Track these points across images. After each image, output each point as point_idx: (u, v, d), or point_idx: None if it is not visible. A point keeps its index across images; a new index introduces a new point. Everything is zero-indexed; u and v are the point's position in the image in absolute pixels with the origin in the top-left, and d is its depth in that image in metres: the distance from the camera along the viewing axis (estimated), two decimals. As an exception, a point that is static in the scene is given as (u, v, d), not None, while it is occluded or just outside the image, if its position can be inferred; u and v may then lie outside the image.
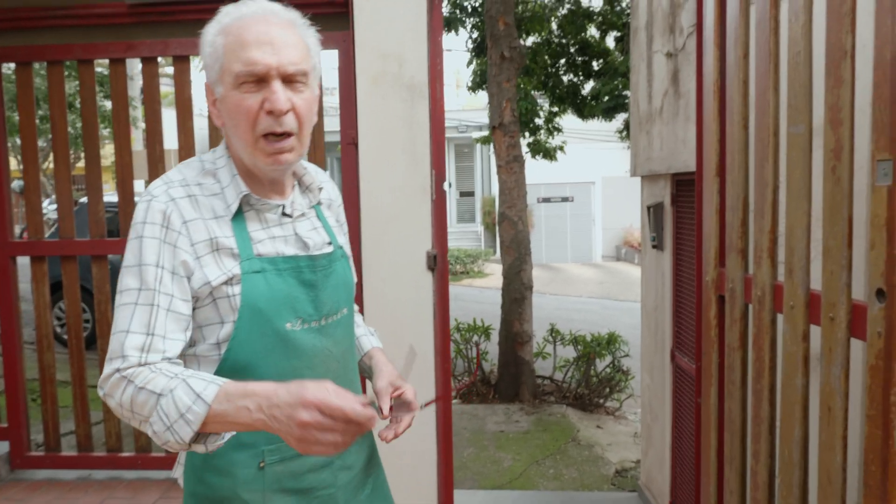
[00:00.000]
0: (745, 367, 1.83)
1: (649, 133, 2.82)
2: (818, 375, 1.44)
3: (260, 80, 1.02)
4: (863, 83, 1.36)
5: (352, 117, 2.23)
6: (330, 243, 1.19)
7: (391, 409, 1.22)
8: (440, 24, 2.09)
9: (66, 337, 3.16)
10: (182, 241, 1.02)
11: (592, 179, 19.95)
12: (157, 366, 0.97)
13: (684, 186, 2.51)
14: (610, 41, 8.09)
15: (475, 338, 5.79)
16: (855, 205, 1.38)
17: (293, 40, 1.05)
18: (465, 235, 20.64)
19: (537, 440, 4.49)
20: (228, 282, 1.04)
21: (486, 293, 12.74)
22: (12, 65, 2.94)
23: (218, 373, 1.04)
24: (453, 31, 7.88)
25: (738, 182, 1.81)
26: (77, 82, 3.19)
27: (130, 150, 3.00)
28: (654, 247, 2.87)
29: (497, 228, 6.15)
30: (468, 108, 20.71)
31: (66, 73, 3.06)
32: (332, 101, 2.78)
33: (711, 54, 1.91)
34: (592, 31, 8.02)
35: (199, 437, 0.94)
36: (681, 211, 2.60)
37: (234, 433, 1.08)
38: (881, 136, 1.23)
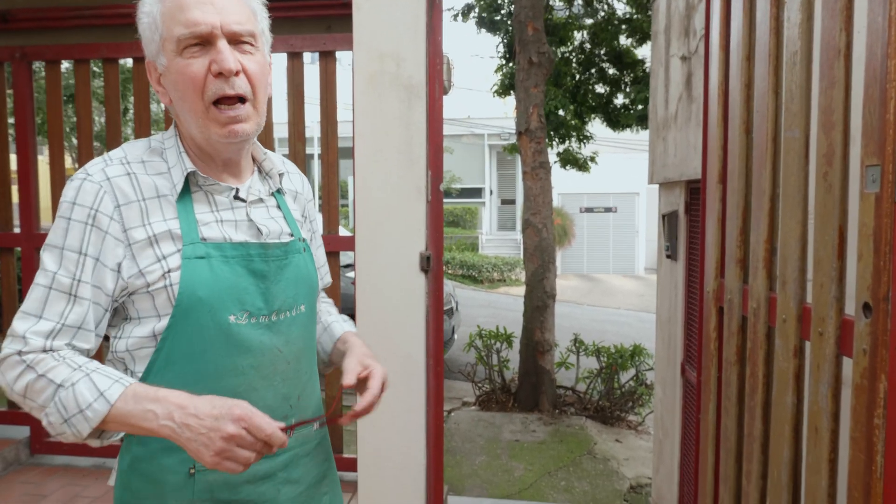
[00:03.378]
0: (741, 383, 1.75)
1: (665, 139, 2.74)
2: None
3: (205, 41, 0.96)
4: (860, 86, 1.29)
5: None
6: (290, 234, 1.10)
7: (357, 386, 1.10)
8: (440, 24, 2.07)
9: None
10: (113, 227, 0.96)
11: (636, 190, 19.63)
12: (60, 353, 0.93)
13: (697, 194, 2.42)
14: (644, 50, 7.96)
15: (497, 345, 5.73)
16: (851, 213, 1.31)
17: (235, 2, 0.99)
18: (504, 243, 20.53)
19: (552, 451, 4.40)
20: (166, 272, 0.96)
21: (520, 301, 12.56)
22: (41, 63, 3.06)
23: (150, 367, 0.98)
24: (492, 33, 7.84)
25: (739, 189, 1.74)
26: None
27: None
28: (668, 256, 2.79)
29: (521, 235, 6.09)
30: (512, 115, 20.69)
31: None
32: (346, 102, 2.79)
33: (717, 57, 1.84)
34: (625, 41, 7.88)
35: (95, 430, 0.90)
36: (694, 220, 2.52)
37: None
38: (870, 141, 1.16)
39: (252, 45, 1.01)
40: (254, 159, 1.14)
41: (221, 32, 0.96)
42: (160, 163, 1.02)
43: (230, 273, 0.99)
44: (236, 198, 1.06)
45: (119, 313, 1.02)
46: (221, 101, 0.98)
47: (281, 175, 1.15)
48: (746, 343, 1.70)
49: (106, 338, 1.04)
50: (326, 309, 1.34)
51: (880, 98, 1.13)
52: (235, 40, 0.98)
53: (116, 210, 0.96)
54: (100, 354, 2.95)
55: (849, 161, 1.26)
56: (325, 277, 1.31)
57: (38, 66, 3.16)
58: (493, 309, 11.83)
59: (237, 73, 0.97)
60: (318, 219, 1.34)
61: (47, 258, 0.95)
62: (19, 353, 0.92)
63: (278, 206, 1.13)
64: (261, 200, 1.10)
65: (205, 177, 1.03)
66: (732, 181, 1.77)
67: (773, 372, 1.57)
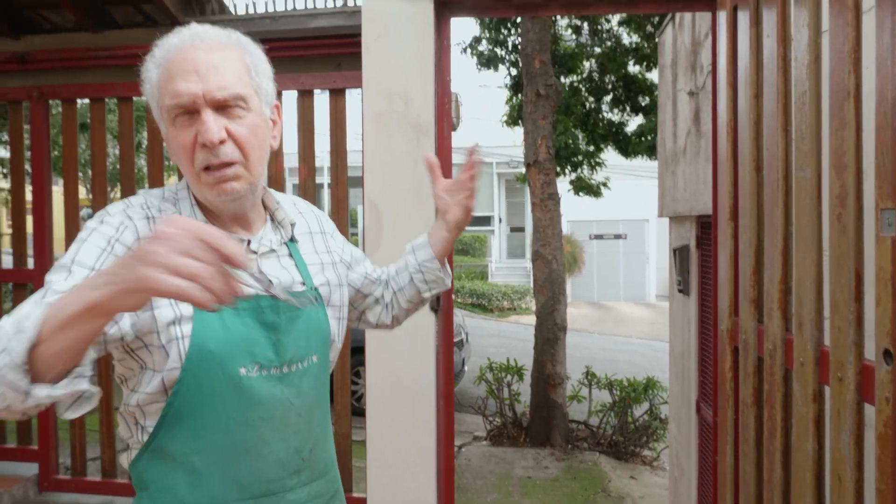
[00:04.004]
0: (759, 426, 1.71)
1: (674, 173, 2.74)
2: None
3: (191, 111, 0.95)
4: (871, 127, 1.28)
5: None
6: (302, 283, 1.10)
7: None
8: (448, 64, 2.09)
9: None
10: None
11: (646, 217, 19.58)
12: None
13: (708, 229, 2.40)
14: (654, 76, 8.01)
15: (507, 378, 5.66)
16: (867, 255, 1.28)
17: (224, 63, 0.97)
18: (513, 271, 20.46)
19: (565, 489, 4.31)
20: (177, 321, 0.95)
21: (531, 330, 12.37)
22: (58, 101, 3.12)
23: (161, 420, 0.97)
24: (493, 69, 7.97)
25: (751, 227, 1.72)
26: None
27: (164, 183, 3.11)
28: (680, 291, 2.75)
29: (531, 266, 6.08)
30: (520, 143, 20.75)
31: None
32: (355, 132, 2.83)
33: (725, 94, 1.84)
34: (633, 68, 7.94)
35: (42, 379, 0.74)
36: (706, 255, 2.49)
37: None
38: (884, 183, 1.14)
39: (242, 107, 0.98)
40: (266, 207, 1.13)
41: (205, 101, 0.95)
42: (174, 212, 1.03)
43: (241, 325, 0.99)
44: (249, 250, 1.05)
45: (133, 360, 0.99)
46: (209, 166, 0.98)
47: (293, 224, 1.14)
48: (763, 385, 1.67)
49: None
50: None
51: (892, 141, 1.12)
52: (222, 106, 0.96)
53: (136, 243, 0.96)
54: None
55: (863, 203, 1.24)
56: (371, 268, 1.35)
57: (53, 102, 3.22)
58: (504, 339, 11.74)
59: (222, 142, 0.96)
60: (342, 239, 1.33)
61: (53, 274, 0.90)
62: None
63: (290, 255, 1.12)
64: (272, 251, 1.09)
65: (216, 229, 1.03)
66: (744, 219, 1.75)
67: (791, 416, 1.53)
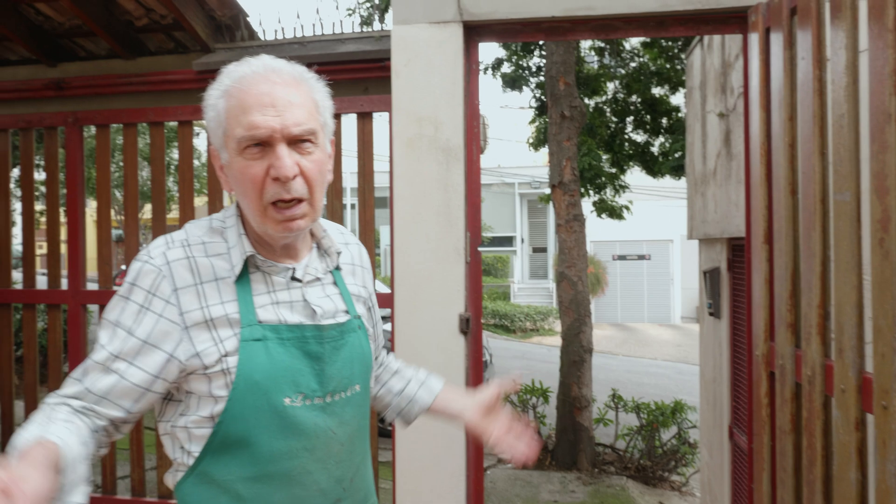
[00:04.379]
0: (798, 453, 1.66)
1: (704, 195, 2.71)
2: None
3: (264, 144, 0.96)
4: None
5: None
6: (346, 312, 1.10)
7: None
8: (476, 88, 2.11)
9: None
10: (169, 311, 0.98)
11: (670, 237, 19.39)
12: (72, 406, 0.97)
13: (740, 252, 2.37)
14: (677, 98, 7.97)
15: (533, 400, 5.60)
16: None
17: (298, 99, 0.98)
18: (536, 292, 20.35)
19: (592, 514, 4.22)
20: (223, 355, 0.97)
21: (554, 352, 12.28)
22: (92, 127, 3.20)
23: (207, 448, 0.99)
24: (517, 91, 8.01)
25: (787, 251, 1.69)
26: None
27: (193, 204, 3.16)
28: (710, 314, 2.71)
29: (556, 288, 6.04)
30: (542, 164, 20.78)
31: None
32: (378, 154, 2.85)
33: (757, 116, 1.83)
34: (658, 90, 7.92)
35: None
36: (737, 277, 2.45)
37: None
38: (929, 208, 1.12)
39: (312, 142, 1.00)
40: (312, 235, 1.14)
41: (281, 136, 0.96)
42: (220, 243, 1.04)
43: (286, 355, 1.00)
44: (293, 278, 1.06)
45: (182, 390, 1.02)
46: (279, 200, 0.99)
47: (339, 253, 1.15)
48: (801, 412, 1.63)
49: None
50: (403, 367, 1.37)
51: (938, 164, 1.10)
52: (295, 141, 0.98)
53: (174, 294, 0.98)
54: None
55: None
56: (380, 354, 1.32)
57: (87, 127, 3.30)
58: (527, 360, 11.65)
59: (294, 177, 0.97)
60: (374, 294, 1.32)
61: (102, 332, 1.00)
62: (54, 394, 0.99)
63: (334, 283, 1.13)
64: (318, 280, 1.10)
65: (263, 259, 1.04)
66: (779, 242, 1.73)
67: (832, 444, 1.49)
